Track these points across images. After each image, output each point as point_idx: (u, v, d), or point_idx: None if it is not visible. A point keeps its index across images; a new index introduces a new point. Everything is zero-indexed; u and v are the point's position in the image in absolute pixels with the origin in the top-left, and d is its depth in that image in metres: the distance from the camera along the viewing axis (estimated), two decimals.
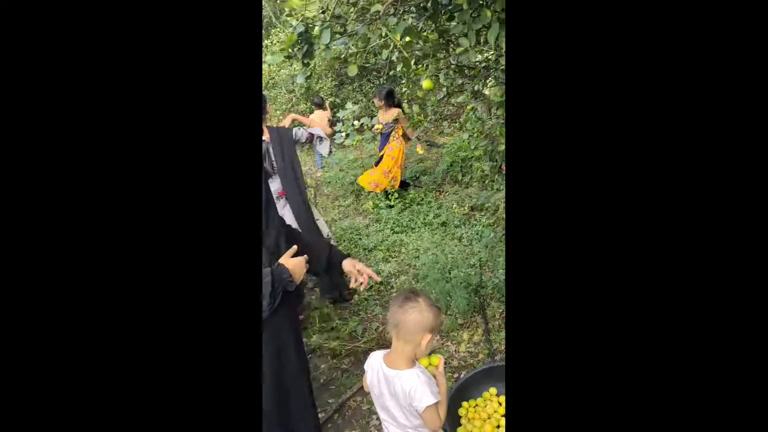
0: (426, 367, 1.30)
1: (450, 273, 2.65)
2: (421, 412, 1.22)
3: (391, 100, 4.18)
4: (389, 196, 4.29)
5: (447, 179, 4.69)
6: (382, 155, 4.31)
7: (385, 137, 4.30)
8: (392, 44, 1.07)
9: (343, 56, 1.17)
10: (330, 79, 7.04)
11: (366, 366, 1.35)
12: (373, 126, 3.99)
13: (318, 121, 5.70)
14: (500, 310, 2.53)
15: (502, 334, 2.35)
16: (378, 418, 2.05)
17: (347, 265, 1.43)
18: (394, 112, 4.18)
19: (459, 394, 1.93)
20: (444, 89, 1.68)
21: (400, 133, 4.26)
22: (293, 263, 1.28)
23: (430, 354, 1.34)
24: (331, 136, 3.19)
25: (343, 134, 3.59)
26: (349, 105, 4.22)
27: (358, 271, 1.41)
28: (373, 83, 7.06)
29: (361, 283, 1.40)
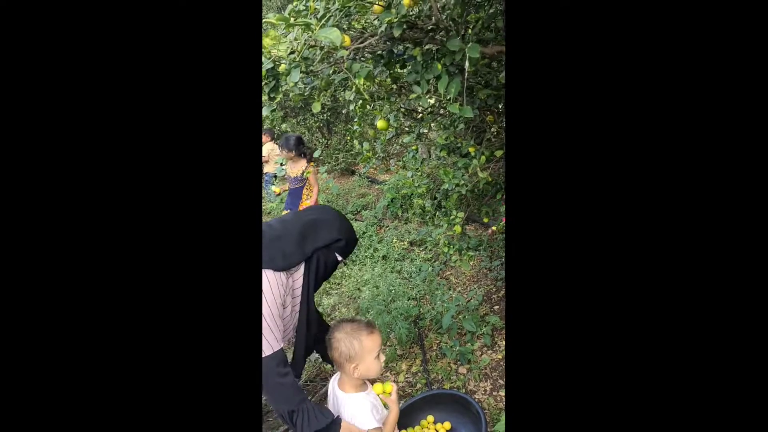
0: (380, 394, 1.35)
1: (391, 305, 2.72)
2: None
3: (301, 149, 3.54)
4: None
5: (387, 214, 4.84)
6: None
7: (296, 194, 3.63)
8: (353, 86, 1.18)
9: (306, 94, 1.26)
10: (276, 110, 7.08)
11: (329, 384, 1.42)
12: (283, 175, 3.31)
13: (269, 153, 5.55)
14: (438, 341, 2.62)
15: (439, 364, 2.44)
16: None
17: None
18: (304, 163, 3.56)
19: (397, 422, 1.97)
20: (394, 130, 1.81)
21: (314, 191, 3.55)
22: None
23: (384, 381, 1.40)
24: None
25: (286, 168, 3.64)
26: None
27: None
28: (316, 118, 7.20)
29: None
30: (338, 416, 1.28)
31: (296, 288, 1.31)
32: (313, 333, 1.41)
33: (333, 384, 1.36)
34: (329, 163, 6.61)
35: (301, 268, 1.30)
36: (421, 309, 2.84)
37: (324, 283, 3.38)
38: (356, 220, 4.86)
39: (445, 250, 2.14)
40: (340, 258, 1.37)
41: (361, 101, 1.47)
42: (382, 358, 1.32)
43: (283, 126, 7.20)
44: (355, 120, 1.97)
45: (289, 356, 1.51)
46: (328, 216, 1.37)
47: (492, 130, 1.94)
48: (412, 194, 4.31)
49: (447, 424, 1.98)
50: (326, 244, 1.32)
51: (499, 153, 1.81)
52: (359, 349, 1.25)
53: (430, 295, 3.01)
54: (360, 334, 1.27)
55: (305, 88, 1.30)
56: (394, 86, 1.56)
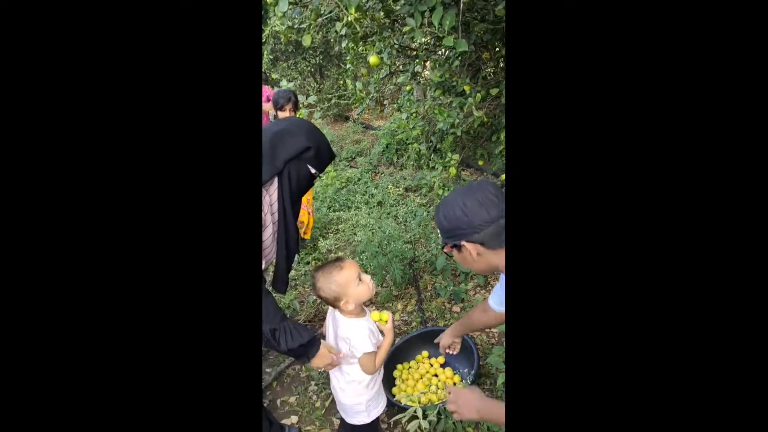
0: (376, 321, 1.42)
1: (386, 248, 2.76)
2: (358, 357, 1.36)
3: (297, 107, 3.08)
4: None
5: (382, 161, 4.81)
6: None
7: None
8: (344, 19, 1.13)
9: (295, 26, 1.20)
10: (266, 53, 6.85)
11: (328, 312, 1.49)
12: None
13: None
14: (432, 282, 2.69)
15: (434, 303, 2.51)
16: (316, 384, 2.14)
17: None
18: None
19: (394, 357, 2.06)
20: (387, 68, 1.76)
21: None
22: (324, 354, 1.34)
23: (382, 311, 1.47)
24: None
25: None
26: (284, 82, 4.17)
27: None
28: (308, 62, 6.97)
29: None
30: (319, 333, 1.35)
31: (273, 204, 1.30)
32: (293, 251, 1.42)
33: (333, 310, 1.43)
34: (322, 108, 6.48)
35: (275, 182, 1.28)
36: (416, 252, 2.89)
37: (320, 228, 3.43)
38: (351, 167, 4.83)
39: (440, 192, 2.14)
40: (313, 170, 1.34)
41: (352, 37, 1.42)
42: (366, 278, 1.36)
43: (274, 75, 6.97)
44: (347, 58, 1.91)
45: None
46: (295, 126, 1.32)
47: (488, 68, 1.89)
48: (407, 140, 4.26)
49: (441, 359, 2.07)
50: (296, 154, 1.28)
51: (494, 91, 1.77)
52: (337, 287, 1.31)
53: (425, 238, 3.05)
54: (331, 274, 1.32)
55: (295, 20, 1.24)
56: (387, 20, 1.50)
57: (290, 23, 1.19)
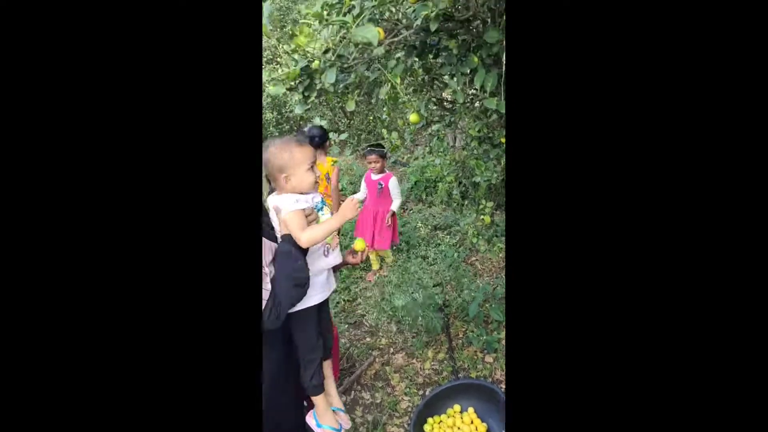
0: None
1: (416, 291, 2.73)
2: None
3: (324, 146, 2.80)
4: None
5: (411, 197, 4.82)
6: None
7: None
8: (389, 82, 1.15)
9: (340, 92, 1.23)
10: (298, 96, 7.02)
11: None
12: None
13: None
14: (463, 329, 2.63)
15: (465, 352, 2.45)
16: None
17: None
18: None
19: (425, 410, 2.00)
20: (424, 119, 1.78)
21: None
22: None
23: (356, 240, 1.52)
24: None
25: None
26: (316, 120, 4.26)
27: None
28: (339, 98, 7.09)
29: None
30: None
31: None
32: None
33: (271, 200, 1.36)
34: (352, 143, 6.57)
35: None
36: (447, 296, 2.84)
37: (346, 269, 3.42)
38: None
39: (474, 240, 2.12)
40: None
41: (393, 96, 1.44)
42: (317, 171, 1.33)
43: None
44: (384, 109, 1.94)
45: None
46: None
47: None
48: (436, 178, 4.26)
49: (472, 413, 2.00)
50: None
51: None
52: (289, 159, 1.28)
53: (456, 281, 3.00)
54: (290, 146, 1.29)
55: (339, 86, 1.28)
56: (426, 77, 1.52)
57: (335, 89, 1.22)
